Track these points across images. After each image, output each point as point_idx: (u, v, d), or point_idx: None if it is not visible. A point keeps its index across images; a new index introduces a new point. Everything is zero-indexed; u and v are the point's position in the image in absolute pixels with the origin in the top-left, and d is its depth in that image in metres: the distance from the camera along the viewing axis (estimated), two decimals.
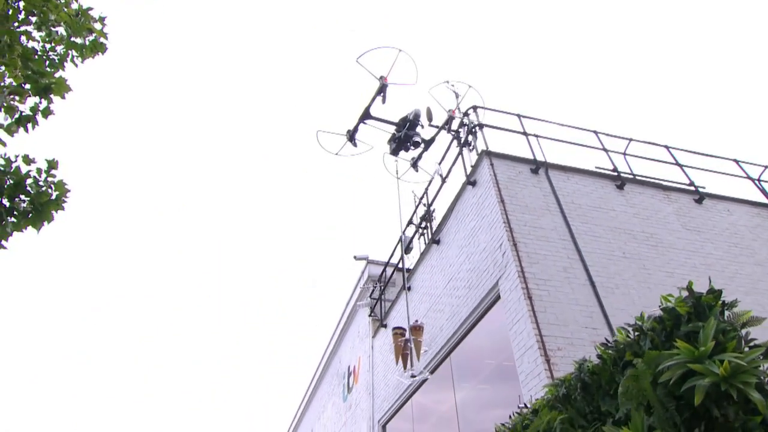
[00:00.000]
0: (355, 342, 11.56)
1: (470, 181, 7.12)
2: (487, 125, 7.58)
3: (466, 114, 8.01)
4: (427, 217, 9.08)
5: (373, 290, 10.61)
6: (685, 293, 1.51)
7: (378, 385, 9.40)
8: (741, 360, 1.26)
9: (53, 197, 4.19)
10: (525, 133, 7.66)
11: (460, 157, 7.75)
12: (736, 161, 8.82)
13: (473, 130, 7.77)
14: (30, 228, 4.13)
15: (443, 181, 8.38)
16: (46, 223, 4.18)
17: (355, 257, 11.53)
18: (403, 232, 9.89)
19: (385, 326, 9.56)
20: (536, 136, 7.72)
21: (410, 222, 9.56)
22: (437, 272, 7.74)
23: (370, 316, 10.42)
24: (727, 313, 1.44)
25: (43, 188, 4.20)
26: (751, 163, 8.86)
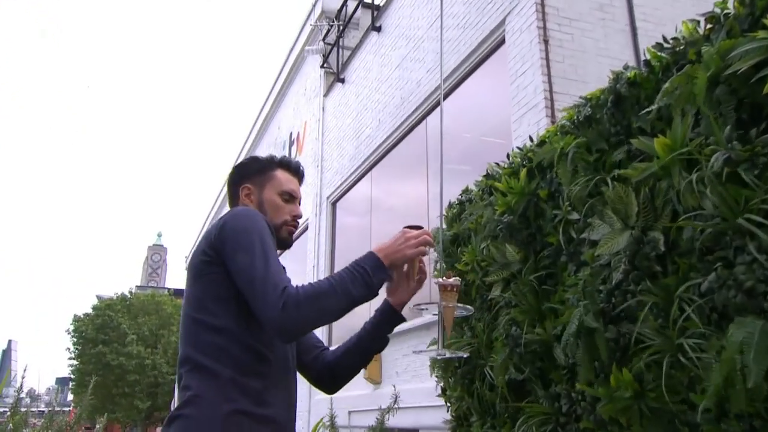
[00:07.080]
0: (300, 102, 11.66)
1: None
2: None
3: None
4: None
5: (328, 31, 10.28)
6: None
7: (329, 156, 9.82)
8: None
9: None
10: None
11: None
12: None
13: None
14: None
15: None
16: None
17: None
18: None
19: (342, 81, 9.53)
20: None
21: None
22: (421, 7, 7.45)
23: (322, 67, 10.31)
24: None
25: None
26: None
